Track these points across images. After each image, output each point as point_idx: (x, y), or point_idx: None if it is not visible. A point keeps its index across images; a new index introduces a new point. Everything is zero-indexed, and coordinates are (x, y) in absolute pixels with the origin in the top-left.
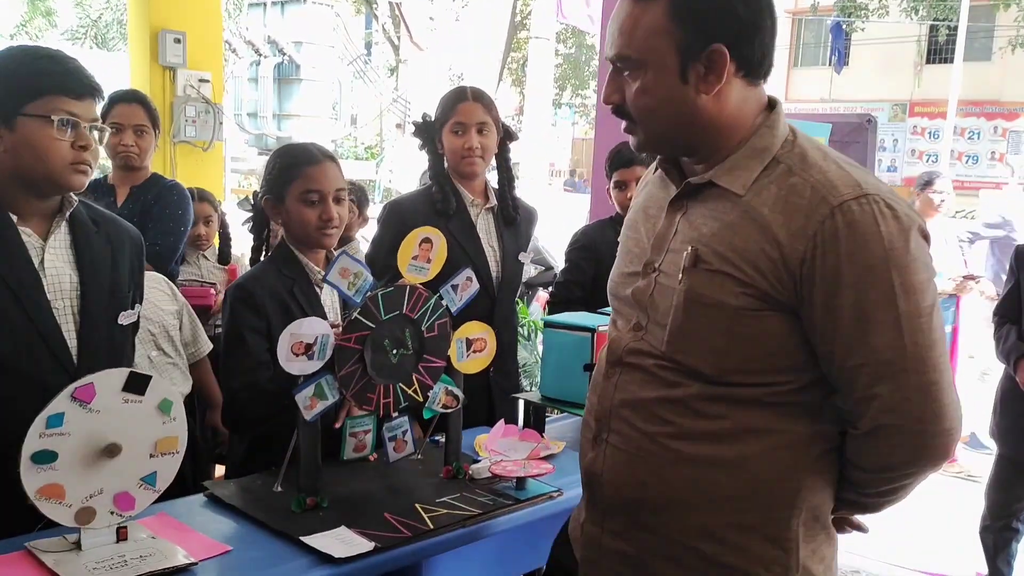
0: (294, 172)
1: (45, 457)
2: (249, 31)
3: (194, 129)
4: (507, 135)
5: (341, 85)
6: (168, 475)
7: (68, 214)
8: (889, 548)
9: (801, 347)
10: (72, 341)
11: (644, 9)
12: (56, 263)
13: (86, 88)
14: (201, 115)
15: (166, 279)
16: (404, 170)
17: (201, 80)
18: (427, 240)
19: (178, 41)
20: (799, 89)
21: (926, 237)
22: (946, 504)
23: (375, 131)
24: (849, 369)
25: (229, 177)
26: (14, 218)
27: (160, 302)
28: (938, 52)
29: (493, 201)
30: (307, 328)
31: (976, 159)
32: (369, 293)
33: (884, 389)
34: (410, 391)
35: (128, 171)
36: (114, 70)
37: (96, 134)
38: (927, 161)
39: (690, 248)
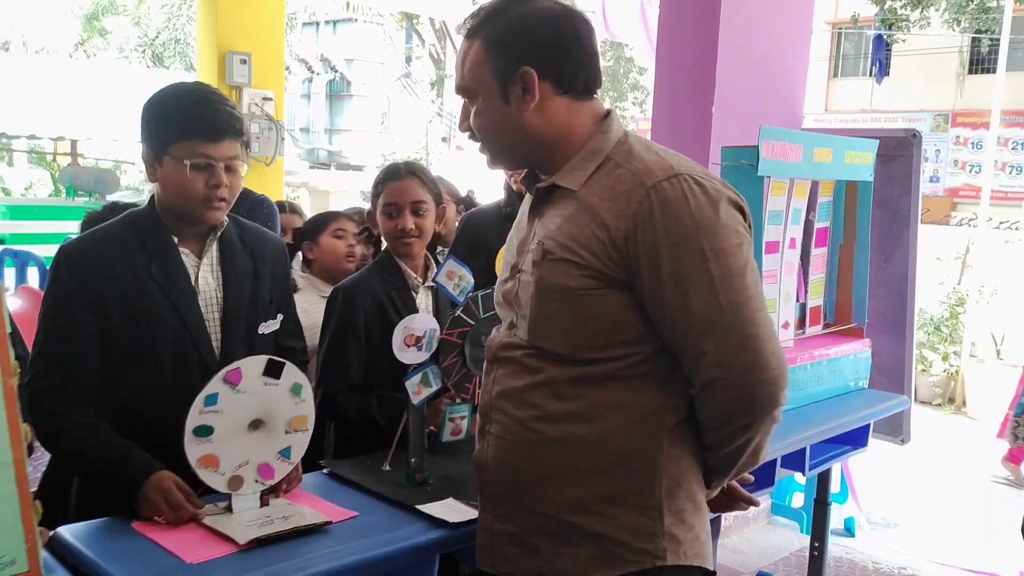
0: (380, 187)
1: (204, 431)
2: (302, 49)
3: (258, 145)
4: None
5: (390, 100)
6: (300, 450)
7: (219, 234)
8: (934, 546)
9: (639, 319)
10: (217, 348)
11: (469, 45)
12: (207, 279)
13: (222, 131)
14: (264, 131)
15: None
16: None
17: (264, 98)
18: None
19: (244, 62)
20: (839, 100)
21: (740, 208)
22: (991, 503)
23: (420, 144)
24: (679, 332)
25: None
26: (176, 240)
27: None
28: (980, 62)
29: None
30: (418, 323)
31: (1020, 169)
32: (470, 294)
33: (709, 345)
34: None
35: None
36: (159, 84)
37: (237, 170)
38: (970, 172)
39: (539, 243)
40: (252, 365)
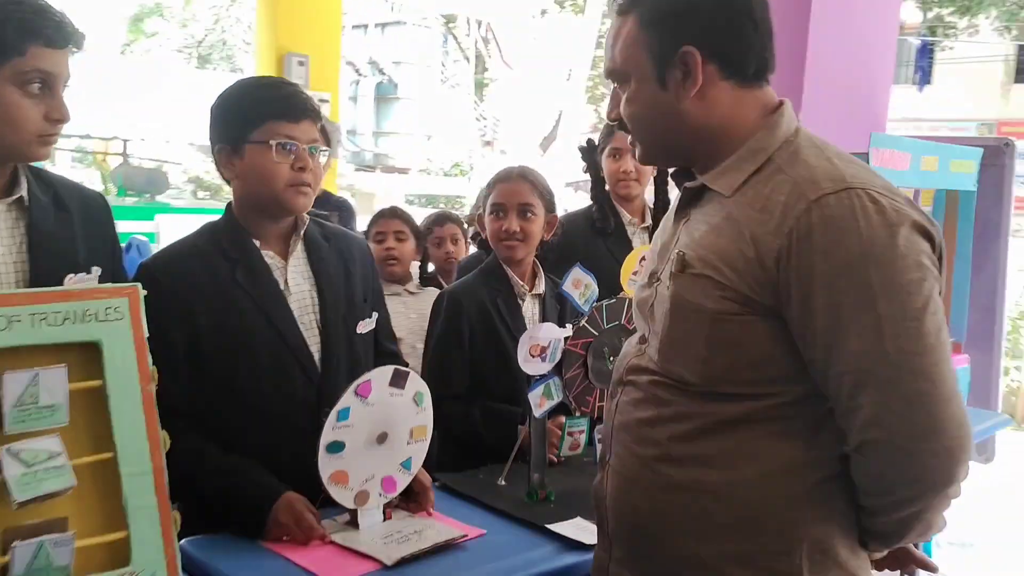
0: (490, 189)
1: (336, 447)
2: (350, 52)
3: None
4: None
5: (437, 103)
6: (419, 459)
7: (303, 233)
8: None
9: (788, 355)
10: (317, 354)
11: (622, 22)
12: (298, 280)
13: (302, 111)
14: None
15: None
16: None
17: (321, 100)
18: (645, 258)
19: (301, 64)
20: None
21: (927, 234)
22: None
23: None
24: (833, 378)
25: None
26: (257, 243)
27: (426, 310)
28: None
29: (649, 221)
30: (543, 333)
31: None
32: (595, 303)
33: (866, 399)
34: None
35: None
36: (213, 87)
37: (317, 155)
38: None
39: (677, 252)
40: (381, 376)
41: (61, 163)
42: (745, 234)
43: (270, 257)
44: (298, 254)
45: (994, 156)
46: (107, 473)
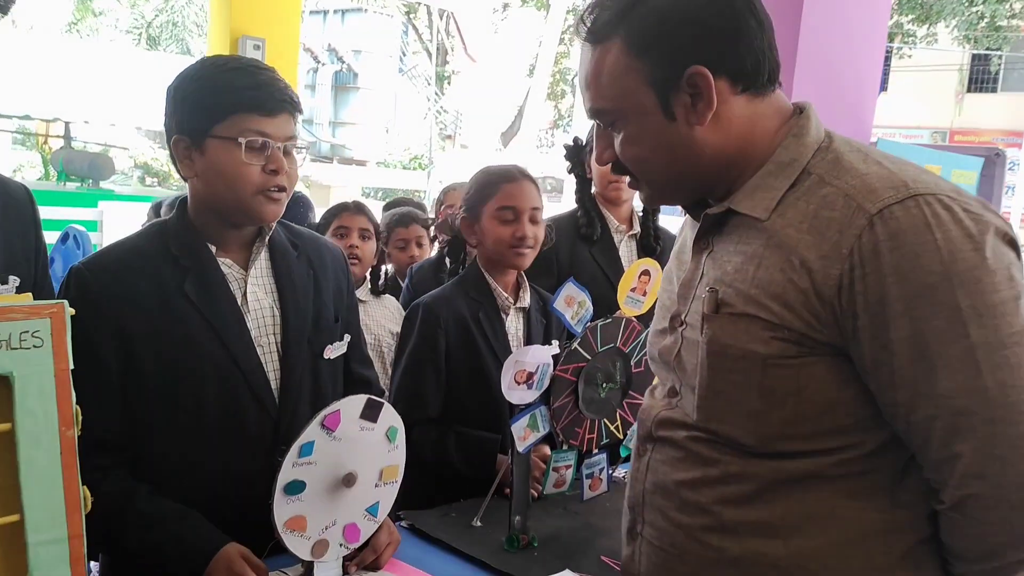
0: (492, 190)
1: (295, 488)
2: (308, 38)
3: None
4: None
5: (397, 95)
6: (387, 505)
7: (267, 239)
8: None
9: (860, 399)
10: (275, 382)
11: (603, 52)
12: (258, 295)
13: (279, 103)
14: None
15: (397, 304)
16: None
17: None
18: (646, 272)
19: (257, 47)
20: None
21: (1012, 243)
22: None
23: (421, 141)
24: (919, 423)
25: None
26: (213, 248)
27: (384, 319)
28: (982, 81)
29: (637, 228)
30: (531, 356)
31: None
32: (588, 324)
33: (966, 447)
34: (612, 427)
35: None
36: (162, 70)
37: (293, 155)
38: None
39: (708, 290)
40: (351, 406)
41: (3, 145)
42: (794, 261)
43: (227, 266)
44: (261, 263)
45: (986, 167)
46: (10, 540)
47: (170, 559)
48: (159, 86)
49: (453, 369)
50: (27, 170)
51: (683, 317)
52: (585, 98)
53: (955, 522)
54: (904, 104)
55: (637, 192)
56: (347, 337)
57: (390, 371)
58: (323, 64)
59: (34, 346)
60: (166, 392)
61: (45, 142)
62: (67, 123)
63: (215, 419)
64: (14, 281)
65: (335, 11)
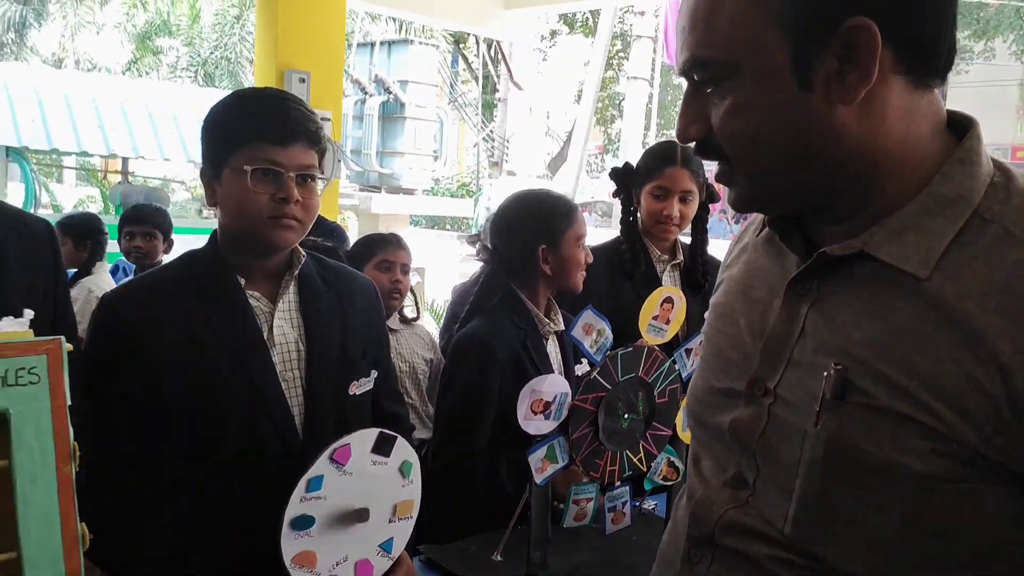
0: (573, 217)
1: (304, 523)
2: (356, 70)
3: None
4: (709, 197)
5: (443, 123)
6: (402, 541)
7: (297, 272)
8: None
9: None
10: (299, 417)
11: None
12: (285, 329)
13: (291, 133)
14: None
15: (428, 331)
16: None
17: (323, 119)
18: (668, 300)
19: (302, 81)
20: None
21: None
22: None
23: (469, 169)
24: None
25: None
26: (242, 281)
27: (418, 347)
28: None
29: (680, 257)
30: (548, 386)
31: None
32: (608, 352)
33: None
34: (635, 459)
35: None
36: (213, 103)
37: (311, 184)
38: None
39: (833, 366)
40: (362, 440)
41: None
42: (978, 349)
43: (255, 299)
44: (289, 297)
45: None
46: None
47: None
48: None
49: (505, 396)
50: (89, 204)
51: (771, 385)
52: (685, 45)
53: None
54: None
55: (682, 230)
56: (374, 373)
57: (425, 397)
58: (370, 95)
59: (31, 383)
60: (187, 421)
61: (104, 177)
62: (124, 159)
63: (236, 452)
64: (28, 314)
65: (382, 43)
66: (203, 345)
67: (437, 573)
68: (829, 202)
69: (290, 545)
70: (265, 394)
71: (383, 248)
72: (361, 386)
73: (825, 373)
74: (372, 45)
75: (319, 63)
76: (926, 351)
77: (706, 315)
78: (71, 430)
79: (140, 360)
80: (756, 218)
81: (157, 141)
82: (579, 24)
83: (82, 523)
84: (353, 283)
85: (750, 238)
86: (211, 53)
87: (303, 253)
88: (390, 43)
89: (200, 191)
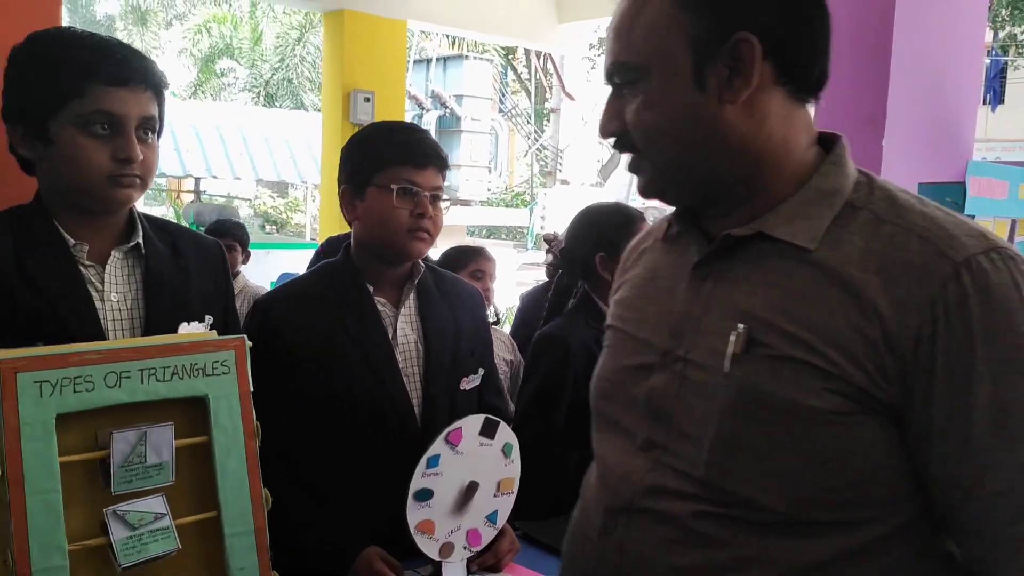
0: (632, 228)
1: (424, 495)
2: (413, 87)
3: None
4: None
5: (498, 136)
6: (505, 513)
7: (416, 281)
8: None
9: (903, 468)
10: (418, 408)
11: (644, 1)
12: (406, 331)
13: (426, 158)
14: None
15: (507, 334)
16: (557, 217)
17: None
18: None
19: (367, 100)
20: None
21: None
22: None
23: (521, 178)
24: (983, 498)
25: None
26: (371, 288)
27: (499, 349)
28: None
29: None
30: None
31: None
32: None
33: None
34: None
35: None
36: (278, 124)
37: (439, 204)
38: None
39: (740, 327)
40: (471, 424)
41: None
42: (861, 303)
43: (382, 304)
44: (409, 303)
45: None
46: (210, 533)
47: (316, 559)
48: (276, 139)
49: (580, 392)
50: None
51: (681, 353)
52: (610, 51)
53: None
54: (1022, 116)
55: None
56: (481, 370)
57: (506, 396)
58: (428, 110)
59: (223, 373)
60: (325, 411)
61: (177, 196)
62: (197, 179)
63: (365, 437)
64: (208, 319)
65: (437, 59)
66: (338, 344)
67: (533, 546)
68: (721, 193)
69: (414, 514)
70: (390, 387)
71: (475, 258)
72: (470, 382)
73: (732, 335)
74: (428, 62)
75: (382, 82)
76: (818, 307)
77: (609, 311)
78: (254, 411)
79: (288, 356)
80: (652, 229)
81: (228, 161)
82: None
83: (265, 488)
84: (462, 290)
85: (648, 243)
86: (272, 74)
87: (422, 264)
88: (445, 59)
89: (263, 208)
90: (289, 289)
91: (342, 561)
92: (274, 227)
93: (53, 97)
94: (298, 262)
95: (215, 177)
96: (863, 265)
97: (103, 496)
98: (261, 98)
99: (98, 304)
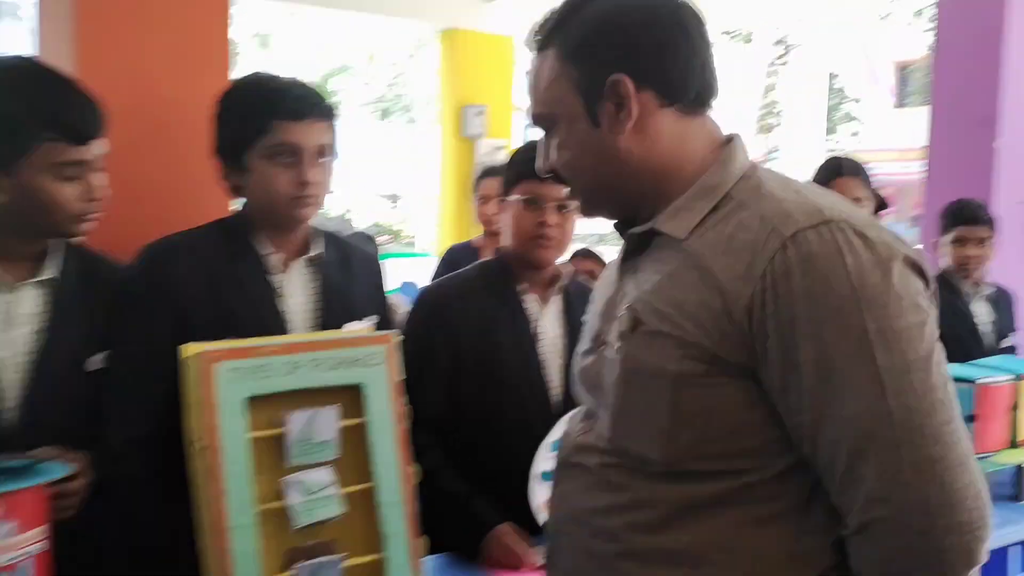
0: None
1: (549, 475)
2: (519, 99)
3: None
4: (881, 204)
5: None
6: None
7: (560, 285)
8: None
9: (768, 421)
10: (556, 397)
11: (542, 60)
12: (548, 326)
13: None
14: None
15: None
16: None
17: (496, 147)
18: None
19: (480, 114)
20: None
21: (921, 272)
22: None
23: None
24: (825, 446)
25: None
26: (520, 287)
27: None
28: None
29: None
30: None
31: None
32: None
33: (869, 470)
34: None
35: (492, 236)
36: (393, 138)
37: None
38: None
39: (628, 309)
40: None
41: None
42: (708, 281)
43: (533, 301)
44: (558, 304)
45: None
46: (366, 502)
47: (454, 530)
48: (390, 153)
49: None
50: None
51: (604, 337)
52: (528, 107)
53: (861, 547)
54: None
55: None
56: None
57: None
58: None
59: (376, 364)
60: (476, 391)
61: None
62: None
63: (511, 419)
64: (369, 319)
65: None
66: (491, 335)
67: None
68: (638, 204)
69: (540, 494)
70: (532, 375)
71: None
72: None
73: (622, 313)
74: None
75: (493, 97)
76: (680, 287)
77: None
78: (403, 397)
79: (446, 341)
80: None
81: (344, 172)
82: (736, 32)
83: (416, 463)
84: (587, 293)
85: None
86: (386, 91)
87: (570, 273)
88: None
89: (377, 219)
90: (448, 283)
91: (477, 534)
92: (388, 237)
93: (246, 135)
94: (417, 271)
95: (332, 191)
96: (716, 247)
97: (280, 467)
98: (376, 114)
99: (282, 306)
